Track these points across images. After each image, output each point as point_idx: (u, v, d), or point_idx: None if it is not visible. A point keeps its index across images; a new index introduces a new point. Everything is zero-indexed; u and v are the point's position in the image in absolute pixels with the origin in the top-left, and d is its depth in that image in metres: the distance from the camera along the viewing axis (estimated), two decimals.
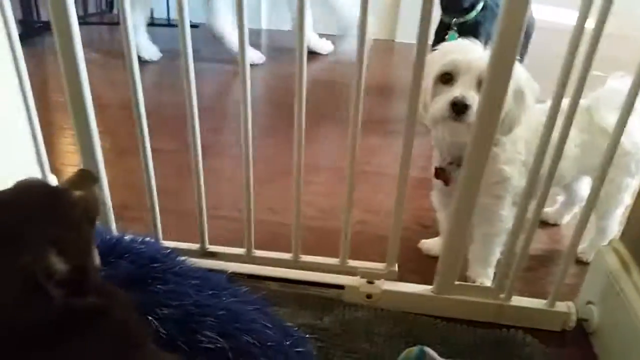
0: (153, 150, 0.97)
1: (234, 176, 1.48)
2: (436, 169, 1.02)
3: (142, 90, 0.90)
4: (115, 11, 3.05)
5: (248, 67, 0.87)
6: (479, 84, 0.85)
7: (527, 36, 2.02)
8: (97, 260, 0.56)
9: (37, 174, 1.03)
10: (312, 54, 2.61)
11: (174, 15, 2.77)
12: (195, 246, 1.02)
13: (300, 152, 0.92)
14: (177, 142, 1.62)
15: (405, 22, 2.84)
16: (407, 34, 2.75)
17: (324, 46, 2.62)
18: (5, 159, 1.00)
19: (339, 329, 0.93)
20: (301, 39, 0.83)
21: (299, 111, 0.88)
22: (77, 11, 0.85)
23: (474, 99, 0.85)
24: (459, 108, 0.85)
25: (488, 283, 1.05)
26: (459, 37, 1.81)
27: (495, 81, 0.77)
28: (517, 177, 0.97)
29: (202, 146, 0.96)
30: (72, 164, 1.51)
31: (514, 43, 0.75)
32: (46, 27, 2.62)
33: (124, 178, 1.43)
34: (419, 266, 1.13)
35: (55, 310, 0.47)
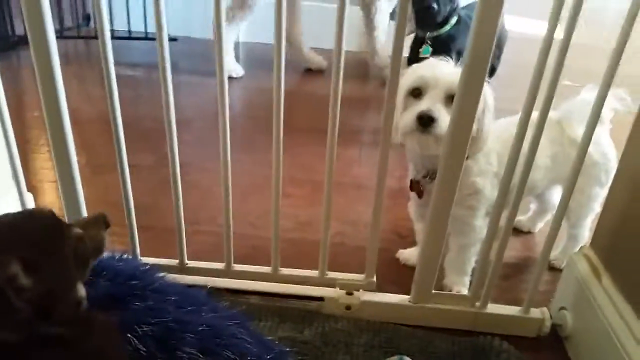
0: (132, 165, 0.97)
1: (212, 190, 1.48)
2: (411, 181, 1.04)
3: (120, 104, 0.90)
4: (92, 24, 3.04)
5: (226, 81, 0.88)
6: (450, 98, 0.88)
7: (500, 47, 2.07)
8: (80, 293, 0.57)
9: (13, 192, 1.02)
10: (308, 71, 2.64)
11: (151, 28, 2.78)
12: (174, 262, 1.02)
13: (278, 164, 0.93)
14: (155, 156, 1.62)
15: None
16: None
17: (319, 62, 2.62)
18: None
19: (320, 341, 0.94)
20: (279, 51, 0.84)
21: (277, 124, 0.89)
22: (53, 25, 0.85)
23: (440, 112, 0.88)
24: (424, 121, 0.88)
25: (465, 291, 1.07)
26: (432, 50, 1.85)
27: (467, 95, 0.80)
28: (489, 188, 1.00)
29: (181, 161, 0.97)
30: (49, 181, 1.49)
31: (485, 57, 0.77)
32: (21, 41, 2.59)
33: (102, 194, 1.42)
34: (397, 276, 1.15)
35: (21, 331, 0.48)
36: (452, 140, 0.83)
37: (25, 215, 0.57)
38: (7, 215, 0.55)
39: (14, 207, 1.04)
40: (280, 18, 0.82)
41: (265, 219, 1.36)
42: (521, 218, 1.36)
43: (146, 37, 2.73)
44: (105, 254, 0.85)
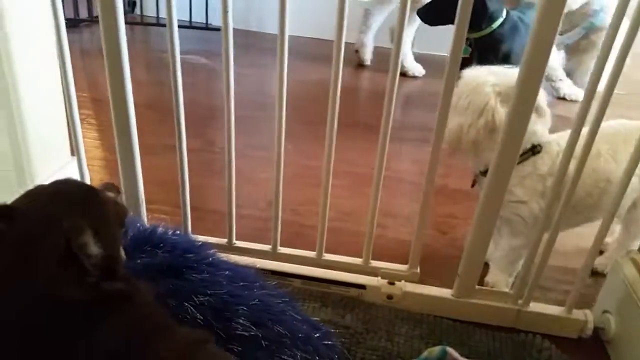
0: (175, 148, 1.00)
1: (254, 177, 1.51)
2: (474, 178, 1.06)
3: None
4: (137, 11, 3.10)
5: (285, 74, 0.90)
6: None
7: None
8: (123, 255, 0.61)
9: (69, 167, 1.06)
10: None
11: (195, 18, 2.83)
12: (223, 241, 1.05)
13: (330, 155, 0.95)
14: (199, 140, 1.65)
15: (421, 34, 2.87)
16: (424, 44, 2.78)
17: (418, 69, 2.57)
18: (41, 153, 1.04)
19: (361, 327, 0.95)
20: (339, 47, 0.86)
21: (332, 118, 0.91)
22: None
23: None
24: None
25: (506, 290, 1.07)
26: (476, 52, 1.84)
27: (523, 98, 0.80)
28: (536, 206, 1.00)
29: (224, 146, 0.99)
30: (97, 158, 1.54)
31: (543, 60, 0.78)
32: (70, 24, 2.66)
33: (148, 174, 1.47)
34: (436, 270, 1.15)
35: (90, 291, 0.51)
36: (505, 141, 0.84)
37: (63, 184, 0.60)
38: (45, 186, 0.58)
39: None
40: (342, 15, 0.84)
41: (306, 206, 1.38)
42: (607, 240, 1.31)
43: (206, 27, 2.79)
44: (160, 229, 0.89)
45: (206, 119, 1.78)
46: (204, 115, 1.73)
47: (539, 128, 0.99)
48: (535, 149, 0.99)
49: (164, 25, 0.91)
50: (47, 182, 0.97)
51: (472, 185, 1.09)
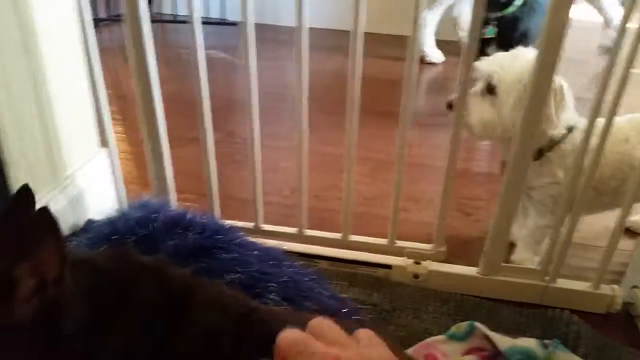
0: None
1: (276, 165, 1.53)
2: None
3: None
4: (154, 9, 3.14)
5: (306, 65, 0.92)
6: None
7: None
8: None
9: (99, 158, 1.09)
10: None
11: (212, 14, 2.86)
12: (250, 224, 1.07)
13: (352, 140, 0.96)
14: (221, 132, 1.67)
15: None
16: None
17: (437, 55, 2.53)
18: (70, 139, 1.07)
19: (388, 305, 0.96)
20: (355, 38, 0.87)
21: (352, 105, 0.92)
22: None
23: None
24: None
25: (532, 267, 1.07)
26: (497, 31, 1.84)
27: (540, 79, 0.81)
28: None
29: (244, 137, 1.01)
30: (122, 151, 1.57)
31: (558, 44, 0.78)
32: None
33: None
34: (461, 250, 1.16)
35: None
36: (523, 124, 0.84)
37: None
38: None
39: (102, 172, 1.12)
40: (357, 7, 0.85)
41: (328, 192, 1.40)
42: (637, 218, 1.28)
43: (223, 22, 2.82)
44: (189, 213, 0.91)
45: (225, 112, 1.80)
46: (223, 108, 1.75)
47: (571, 110, 0.99)
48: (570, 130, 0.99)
49: (180, 22, 0.94)
50: (78, 172, 1.00)
51: (502, 170, 1.08)
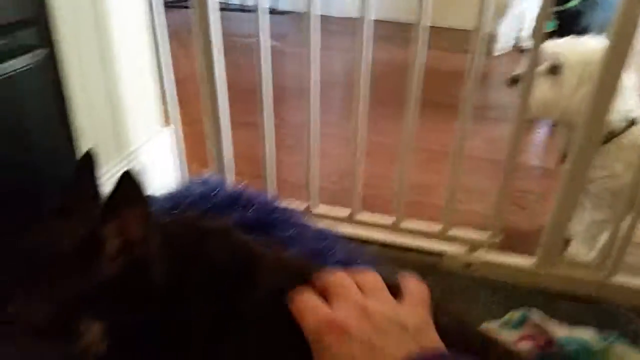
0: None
1: (326, 152, 1.54)
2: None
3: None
4: None
5: (369, 54, 0.92)
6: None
7: None
8: None
9: (163, 135, 1.13)
10: None
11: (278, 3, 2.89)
12: (303, 205, 1.09)
13: (411, 127, 0.96)
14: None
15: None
16: None
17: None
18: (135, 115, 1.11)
19: (439, 292, 0.96)
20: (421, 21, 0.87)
21: (412, 96, 0.93)
22: None
23: None
24: None
25: (588, 261, 1.05)
26: (558, 24, 1.79)
27: (609, 71, 0.79)
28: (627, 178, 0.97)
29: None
30: None
31: (630, 35, 0.76)
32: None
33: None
34: (514, 242, 1.14)
35: None
36: (590, 113, 0.82)
37: None
38: None
39: (164, 149, 1.16)
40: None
41: (378, 180, 1.40)
42: None
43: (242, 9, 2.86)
44: (248, 191, 0.94)
45: (277, 99, 1.83)
46: (275, 95, 1.79)
47: (633, 102, 0.97)
48: (633, 122, 0.97)
49: (232, 10, 0.96)
50: (142, 149, 1.03)
51: (560, 161, 1.06)
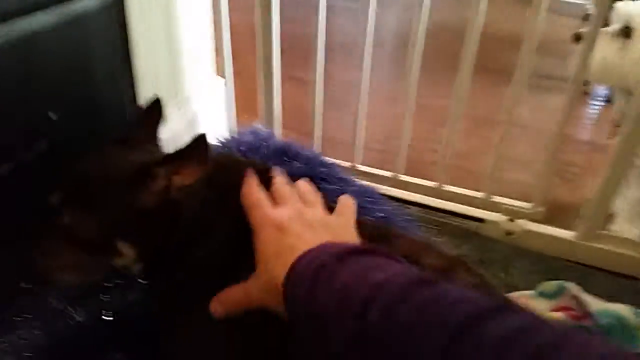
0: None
1: (371, 112, 1.54)
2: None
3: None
4: None
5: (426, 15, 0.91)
6: None
7: None
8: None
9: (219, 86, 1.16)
10: None
11: None
12: (347, 164, 1.10)
13: (463, 94, 0.96)
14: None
15: None
16: None
17: None
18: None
19: (477, 257, 0.98)
20: None
21: (468, 59, 0.92)
22: None
23: None
24: None
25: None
26: None
27: None
28: None
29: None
30: None
31: None
32: None
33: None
34: (556, 214, 1.13)
35: None
36: None
37: None
38: None
39: (216, 98, 1.19)
40: None
41: (422, 143, 1.40)
42: None
43: None
44: (295, 145, 0.96)
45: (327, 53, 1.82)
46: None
47: None
48: None
49: None
50: (195, 96, 1.06)
51: (613, 131, 1.04)
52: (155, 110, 0.62)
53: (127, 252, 0.54)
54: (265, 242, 0.49)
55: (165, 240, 0.53)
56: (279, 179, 0.57)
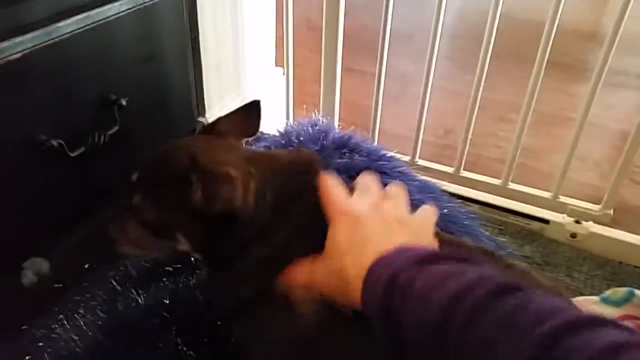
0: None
1: (431, 105, 1.51)
2: None
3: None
4: None
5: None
6: None
7: None
8: None
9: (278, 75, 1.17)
10: None
11: None
12: (406, 158, 1.09)
13: (535, 90, 0.93)
14: (375, 65, 1.68)
15: None
16: None
17: None
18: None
19: (540, 259, 0.95)
20: None
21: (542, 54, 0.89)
22: None
23: None
24: None
25: None
26: None
27: None
28: None
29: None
30: None
31: None
32: None
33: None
34: (625, 218, 1.08)
35: None
36: None
37: None
38: None
39: (275, 88, 1.20)
40: None
41: (484, 138, 1.36)
42: None
43: None
44: (355, 137, 0.95)
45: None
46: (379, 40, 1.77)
47: None
48: None
49: None
50: (256, 85, 1.06)
51: None
52: (252, 110, 0.63)
53: (183, 242, 0.56)
54: (339, 232, 0.48)
55: (220, 240, 0.54)
56: (364, 174, 0.55)
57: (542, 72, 0.92)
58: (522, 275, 0.55)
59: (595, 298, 0.85)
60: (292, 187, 0.54)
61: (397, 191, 0.54)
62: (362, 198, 0.51)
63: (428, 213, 0.53)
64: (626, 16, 0.83)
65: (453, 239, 0.60)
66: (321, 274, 0.49)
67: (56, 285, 0.77)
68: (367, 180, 0.54)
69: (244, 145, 0.62)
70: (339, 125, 1.19)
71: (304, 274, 0.50)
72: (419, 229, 0.50)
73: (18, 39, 0.61)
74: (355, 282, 0.44)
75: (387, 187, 0.54)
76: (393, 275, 0.41)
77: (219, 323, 0.68)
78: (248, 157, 0.55)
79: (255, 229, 0.53)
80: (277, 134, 0.97)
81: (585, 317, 0.32)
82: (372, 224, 0.47)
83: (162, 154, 0.57)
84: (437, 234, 0.54)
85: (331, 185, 0.52)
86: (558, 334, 0.31)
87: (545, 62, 0.90)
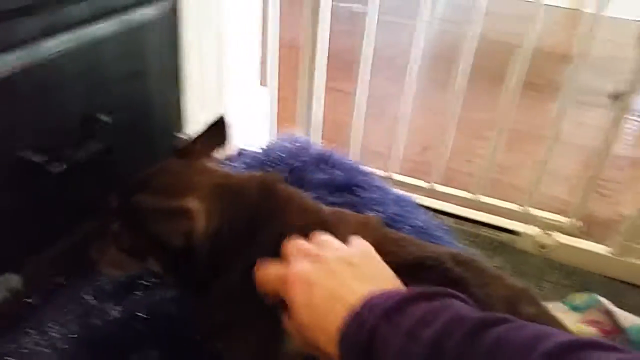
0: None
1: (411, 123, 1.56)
2: None
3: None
4: None
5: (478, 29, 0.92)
6: None
7: None
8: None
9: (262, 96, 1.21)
10: None
11: None
12: (382, 173, 1.12)
13: (509, 109, 0.97)
14: (353, 84, 1.73)
15: None
16: None
17: None
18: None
19: (511, 269, 0.98)
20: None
21: (516, 75, 0.93)
22: None
23: None
24: None
25: None
26: None
27: None
28: None
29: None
30: None
31: None
32: None
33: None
34: (592, 229, 1.13)
35: None
36: None
37: None
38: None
39: (258, 107, 1.23)
40: None
41: (459, 154, 1.41)
42: None
43: None
44: (335, 154, 0.99)
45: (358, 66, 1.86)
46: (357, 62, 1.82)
47: None
48: None
49: None
50: (239, 104, 1.09)
51: None
52: (218, 128, 0.67)
53: (154, 266, 0.62)
54: (298, 304, 0.46)
55: (187, 268, 0.59)
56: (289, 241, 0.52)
57: (517, 91, 0.96)
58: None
59: (561, 305, 0.89)
60: (257, 212, 0.59)
61: (325, 237, 0.52)
62: (297, 258, 0.49)
63: (358, 241, 0.52)
64: (593, 39, 0.88)
65: (400, 237, 0.64)
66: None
67: (28, 301, 0.77)
68: (292, 244, 0.51)
69: (217, 165, 0.66)
70: (321, 142, 1.23)
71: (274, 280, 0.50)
72: (367, 259, 0.49)
73: (4, 57, 0.62)
74: (328, 347, 0.43)
75: (312, 239, 0.52)
76: (368, 335, 0.40)
77: (197, 337, 0.70)
78: (217, 183, 0.60)
79: (222, 256, 0.57)
80: (260, 150, 1.00)
81: (576, 339, 0.34)
82: (322, 277, 0.46)
83: (134, 185, 0.61)
84: (385, 233, 0.60)
85: (264, 267, 0.51)
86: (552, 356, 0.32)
87: (520, 82, 0.95)
